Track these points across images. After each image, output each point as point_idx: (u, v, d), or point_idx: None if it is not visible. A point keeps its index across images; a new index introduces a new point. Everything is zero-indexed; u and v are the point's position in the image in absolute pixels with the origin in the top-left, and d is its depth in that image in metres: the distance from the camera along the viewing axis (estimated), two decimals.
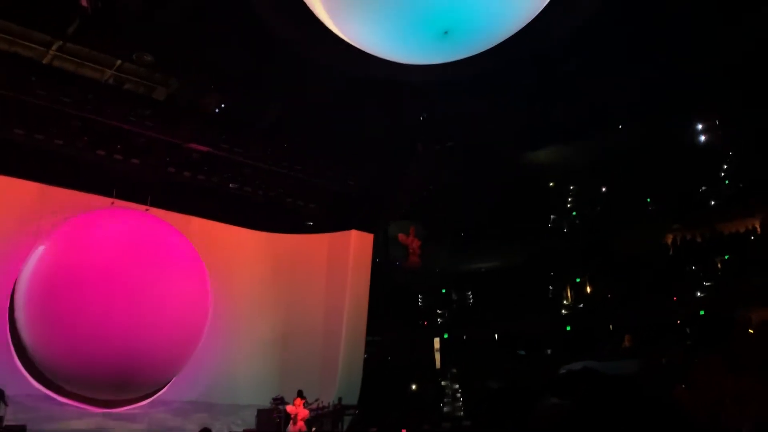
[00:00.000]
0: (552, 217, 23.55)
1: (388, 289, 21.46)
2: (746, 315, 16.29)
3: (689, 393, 14.35)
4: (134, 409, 16.42)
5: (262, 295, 19.22)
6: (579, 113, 19.19)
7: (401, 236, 23.01)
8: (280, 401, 16.76)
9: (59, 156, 16.19)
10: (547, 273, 22.26)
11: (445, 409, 21.43)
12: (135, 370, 15.50)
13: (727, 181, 19.96)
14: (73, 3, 13.49)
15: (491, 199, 22.02)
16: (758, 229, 18.35)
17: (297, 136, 19.72)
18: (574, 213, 23.34)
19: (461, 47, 13.11)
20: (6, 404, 13.74)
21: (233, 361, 18.21)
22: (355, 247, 19.97)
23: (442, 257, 23.58)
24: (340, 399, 18.13)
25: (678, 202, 20.27)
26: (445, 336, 23.06)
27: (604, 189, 22.72)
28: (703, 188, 20.28)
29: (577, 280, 21.88)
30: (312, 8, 12.67)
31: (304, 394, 15.72)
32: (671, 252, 20.01)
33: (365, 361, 20.04)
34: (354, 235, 20.05)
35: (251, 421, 17.11)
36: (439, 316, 24.29)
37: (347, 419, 18.21)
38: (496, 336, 22.34)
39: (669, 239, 20.25)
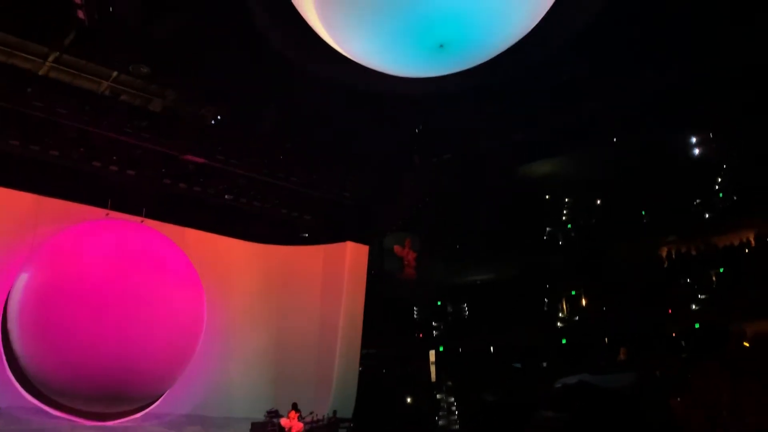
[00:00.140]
0: (547, 229, 23.58)
1: (384, 302, 21.41)
2: (741, 327, 16.33)
3: (685, 406, 14.34)
4: (127, 422, 16.28)
5: (257, 307, 19.16)
6: (574, 126, 19.31)
7: (397, 248, 23.01)
8: (274, 414, 16.64)
9: (55, 167, 16.22)
10: (543, 285, 22.25)
11: (440, 423, 21.31)
12: (128, 382, 15.40)
13: (721, 194, 20.04)
14: (70, 14, 13.54)
15: (487, 212, 22.05)
16: (752, 242, 18.41)
17: (292, 147, 19.77)
18: (569, 225, 23.38)
19: (457, 60, 13.19)
20: None
21: (227, 373, 18.12)
22: (350, 258, 19.94)
23: (438, 269, 23.56)
24: (334, 412, 18.01)
25: (672, 215, 20.33)
26: (441, 348, 22.97)
27: (599, 202, 22.79)
28: (698, 201, 20.35)
29: (573, 292, 21.87)
30: (308, 21, 12.75)
31: (299, 407, 15.64)
32: (666, 265, 20.03)
33: (360, 373, 19.95)
34: (349, 246, 20.02)
35: None
36: (435, 328, 24.20)
37: None
38: (491, 349, 22.28)
39: (664, 252, 20.27)
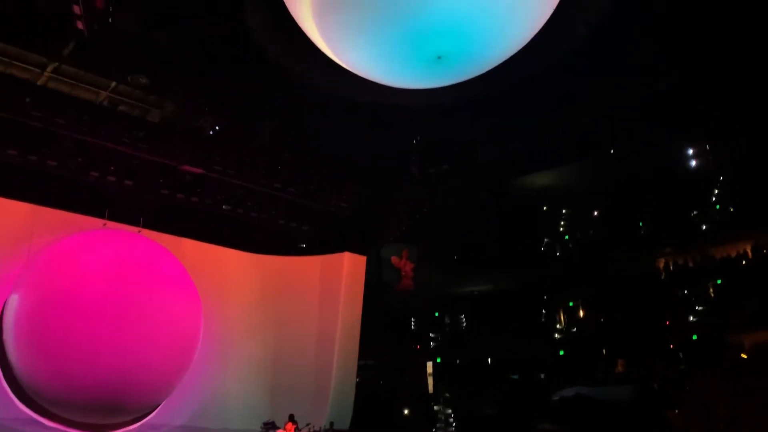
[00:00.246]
0: (545, 240, 23.61)
1: (381, 312, 21.38)
2: (739, 339, 16.34)
3: (683, 417, 14.31)
4: None
5: (254, 317, 19.09)
6: (572, 138, 19.38)
7: (394, 259, 22.99)
8: (271, 426, 16.56)
9: (52, 176, 16.20)
10: (540, 297, 22.26)
11: None
12: (124, 393, 15.28)
13: (718, 206, 20.10)
14: (69, 25, 13.58)
15: (484, 223, 22.08)
16: (750, 254, 18.44)
17: (290, 158, 19.79)
18: (567, 237, 23.41)
19: (454, 72, 13.27)
20: None
21: (224, 384, 18.02)
22: (347, 269, 19.91)
23: (435, 280, 23.53)
24: (331, 423, 17.92)
25: (670, 227, 20.37)
26: (438, 360, 22.93)
27: (596, 213, 22.84)
28: (695, 212, 20.41)
29: (570, 304, 21.88)
30: (307, 33, 12.82)
31: (296, 418, 15.58)
32: (664, 276, 20.05)
33: (357, 384, 19.88)
34: (347, 257, 20.01)
35: None
36: (432, 339, 24.16)
37: None
38: (489, 360, 22.23)
39: (661, 263, 20.30)
